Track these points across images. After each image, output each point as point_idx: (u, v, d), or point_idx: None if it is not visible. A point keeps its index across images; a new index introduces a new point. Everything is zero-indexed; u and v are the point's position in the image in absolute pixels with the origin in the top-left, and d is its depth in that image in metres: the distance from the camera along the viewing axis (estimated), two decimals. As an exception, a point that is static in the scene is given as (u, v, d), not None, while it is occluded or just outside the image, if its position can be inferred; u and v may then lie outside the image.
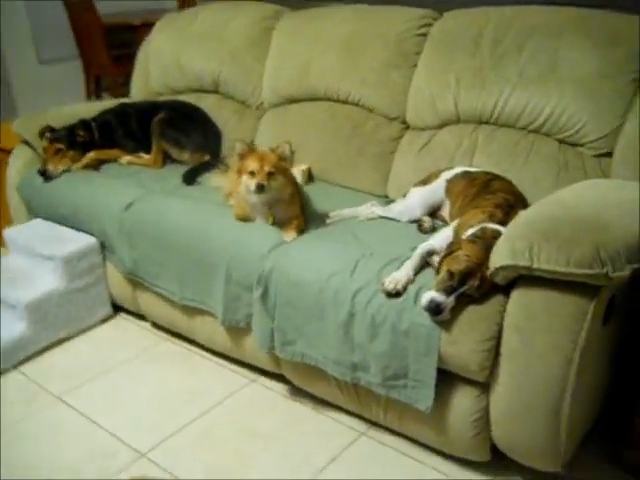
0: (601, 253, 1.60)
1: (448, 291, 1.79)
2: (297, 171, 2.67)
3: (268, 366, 2.35)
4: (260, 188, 2.15)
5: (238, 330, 2.35)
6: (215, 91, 3.21)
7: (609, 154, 2.17)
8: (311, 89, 2.83)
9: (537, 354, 1.70)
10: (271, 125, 2.98)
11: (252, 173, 2.17)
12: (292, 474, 2.01)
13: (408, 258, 1.99)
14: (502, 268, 1.72)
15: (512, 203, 2.02)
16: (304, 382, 2.27)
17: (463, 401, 1.88)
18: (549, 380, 1.70)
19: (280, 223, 2.30)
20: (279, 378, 2.38)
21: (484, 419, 1.86)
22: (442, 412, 1.91)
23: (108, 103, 3.30)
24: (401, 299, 1.89)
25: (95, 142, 2.98)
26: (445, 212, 2.28)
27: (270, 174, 2.17)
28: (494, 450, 1.93)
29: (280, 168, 2.21)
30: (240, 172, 2.22)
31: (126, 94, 3.65)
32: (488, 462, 1.97)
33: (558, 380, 1.69)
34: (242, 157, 2.23)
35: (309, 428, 2.21)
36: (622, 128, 2.13)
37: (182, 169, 2.87)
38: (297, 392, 2.34)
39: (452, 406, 1.90)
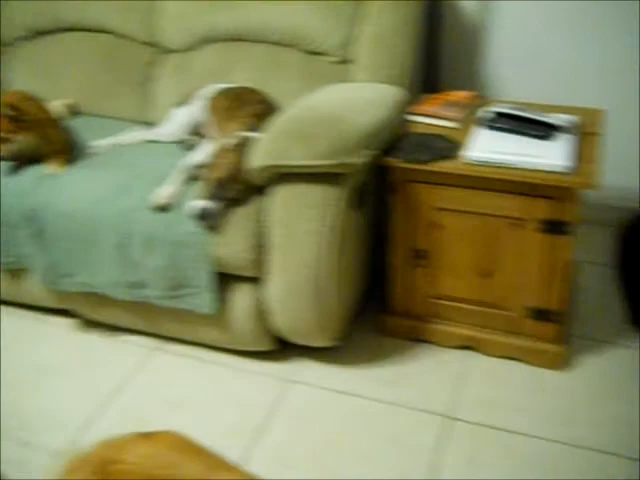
0: (338, 144, 1.79)
1: (214, 197, 1.90)
2: (60, 105, 2.60)
3: (52, 303, 2.33)
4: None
5: (12, 273, 2.29)
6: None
7: (349, 60, 2.38)
8: (59, 18, 2.72)
9: (298, 242, 1.88)
10: (22, 63, 2.81)
11: None
12: (89, 399, 2.06)
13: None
14: (259, 169, 1.87)
15: (266, 112, 2.16)
16: (92, 311, 2.29)
17: (242, 298, 2.04)
18: (309, 263, 1.89)
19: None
20: (67, 313, 2.37)
21: (262, 311, 2.03)
22: (226, 312, 2.06)
23: None
24: (170, 212, 1.97)
25: None
26: (209, 129, 2.37)
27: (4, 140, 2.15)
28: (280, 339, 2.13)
29: (16, 127, 2.17)
30: None
31: None
32: (275, 350, 2.17)
33: (316, 263, 1.89)
34: None
35: (102, 354, 2.25)
36: (354, 35, 2.35)
37: None
38: (87, 323, 2.35)
39: (233, 305, 2.05)
